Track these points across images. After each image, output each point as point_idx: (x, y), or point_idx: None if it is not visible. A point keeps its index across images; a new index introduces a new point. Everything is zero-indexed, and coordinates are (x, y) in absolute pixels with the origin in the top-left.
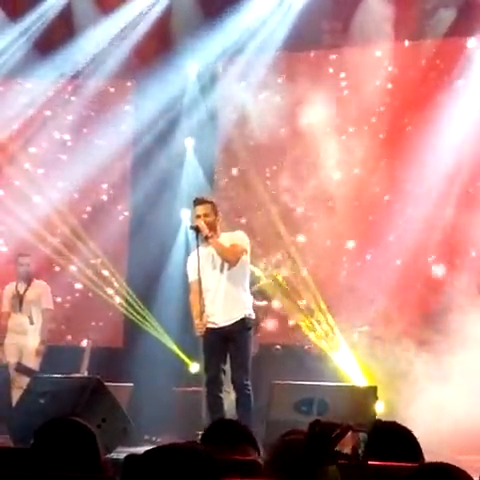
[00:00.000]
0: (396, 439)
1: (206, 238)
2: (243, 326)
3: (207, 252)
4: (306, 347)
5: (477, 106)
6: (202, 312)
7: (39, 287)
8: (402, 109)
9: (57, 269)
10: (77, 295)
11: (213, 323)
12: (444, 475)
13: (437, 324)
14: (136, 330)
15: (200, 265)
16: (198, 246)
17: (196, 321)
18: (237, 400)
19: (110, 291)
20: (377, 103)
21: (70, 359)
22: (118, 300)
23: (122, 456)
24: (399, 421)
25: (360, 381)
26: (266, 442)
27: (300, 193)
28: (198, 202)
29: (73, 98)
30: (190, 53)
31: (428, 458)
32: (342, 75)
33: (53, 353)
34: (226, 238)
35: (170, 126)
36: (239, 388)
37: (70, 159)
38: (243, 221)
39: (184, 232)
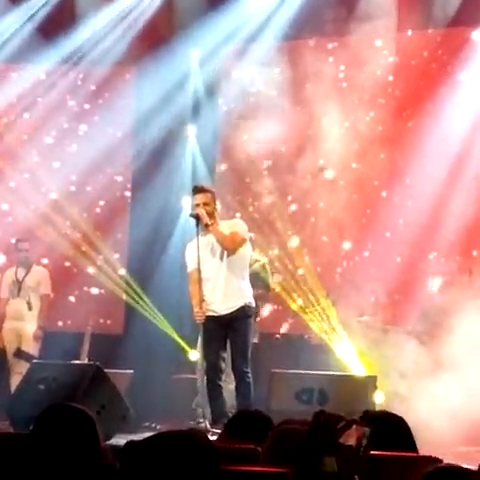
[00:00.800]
0: (388, 428)
1: (206, 226)
2: (243, 314)
3: (206, 241)
4: (306, 336)
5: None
6: (202, 300)
7: (38, 273)
8: (403, 100)
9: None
10: (78, 282)
11: (213, 311)
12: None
13: (435, 316)
14: (136, 317)
15: (199, 254)
16: (198, 235)
17: (196, 309)
18: (237, 388)
19: (110, 277)
20: (377, 94)
21: (70, 345)
22: (118, 287)
23: (121, 443)
24: (397, 411)
25: (360, 371)
26: None
27: (299, 185)
28: (197, 190)
29: (75, 84)
30: (192, 40)
31: (427, 449)
32: (342, 64)
33: (53, 339)
34: (225, 226)
35: (171, 113)
36: (239, 376)
37: (71, 145)
38: (238, 215)
39: (184, 220)
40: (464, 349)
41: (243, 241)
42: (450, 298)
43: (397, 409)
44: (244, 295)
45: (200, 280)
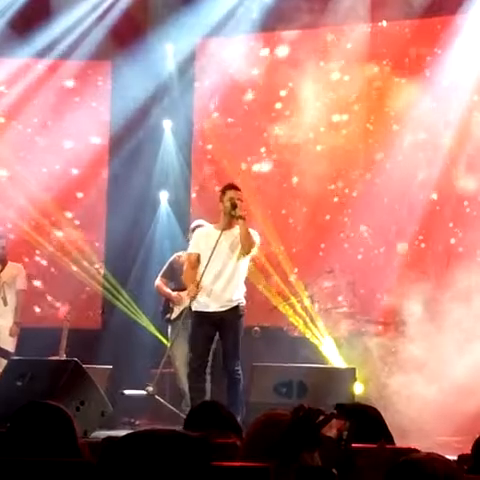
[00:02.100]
0: (363, 419)
1: (239, 217)
2: (235, 313)
3: (225, 237)
4: (285, 329)
5: (457, 89)
6: (195, 287)
7: (14, 269)
8: (381, 91)
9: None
10: (54, 277)
11: (206, 306)
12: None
13: (416, 306)
14: (114, 312)
15: (207, 245)
16: (222, 230)
17: (191, 286)
18: (228, 385)
19: (87, 273)
20: (355, 86)
21: (48, 341)
22: (95, 282)
23: (101, 439)
24: (376, 402)
25: (339, 363)
26: (246, 424)
27: (278, 179)
28: (235, 187)
29: (50, 79)
30: (167, 33)
31: (408, 439)
32: (319, 57)
33: (30, 335)
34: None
35: (147, 107)
36: (230, 373)
37: (45, 140)
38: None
39: (162, 214)
40: (445, 340)
41: (256, 247)
42: (428, 289)
43: (377, 400)
44: (238, 295)
45: (196, 266)
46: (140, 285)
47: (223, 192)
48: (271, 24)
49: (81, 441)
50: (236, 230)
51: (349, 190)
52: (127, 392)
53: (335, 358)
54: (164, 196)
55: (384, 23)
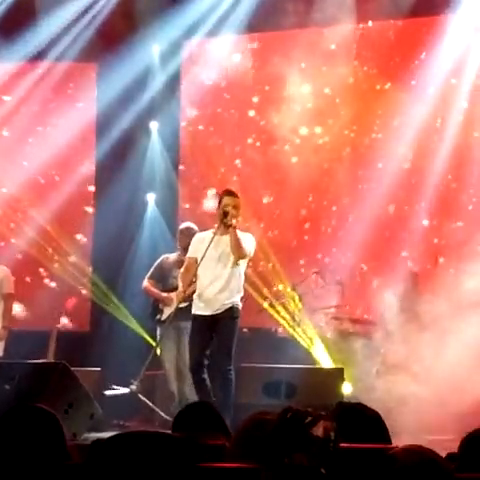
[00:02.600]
0: (363, 420)
1: (229, 226)
2: (230, 315)
3: (220, 241)
4: (273, 329)
5: (440, 90)
6: (186, 289)
7: (0, 272)
8: (366, 92)
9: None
10: (43, 280)
11: (203, 310)
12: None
13: (403, 307)
14: (102, 314)
15: (204, 250)
16: (215, 234)
17: (180, 290)
18: (220, 385)
19: (75, 275)
20: (340, 87)
21: (36, 344)
22: (84, 284)
23: (89, 441)
24: (364, 402)
25: (327, 363)
26: (234, 425)
27: (263, 176)
28: (231, 193)
29: (36, 81)
30: (153, 35)
31: (398, 439)
32: (304, 57)
33: (19, 338)
34: (239, 235)
35: (134, 108)
36: (222, 373)
37: (33, 142)
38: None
39: (149, 216)
40: (433, 339)
41: (249, 255)
42: (417, 288)
43: (366, 400)
44: (234, 299)
45: (193, 271)
46: (128, 287)
47: (220, 198)
48: (256, 25)
49: (70, 444)
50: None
51: (328, 203)
52: (108, 392)
53: (323, 359)
54: (151, 198)
55: (370, 23)
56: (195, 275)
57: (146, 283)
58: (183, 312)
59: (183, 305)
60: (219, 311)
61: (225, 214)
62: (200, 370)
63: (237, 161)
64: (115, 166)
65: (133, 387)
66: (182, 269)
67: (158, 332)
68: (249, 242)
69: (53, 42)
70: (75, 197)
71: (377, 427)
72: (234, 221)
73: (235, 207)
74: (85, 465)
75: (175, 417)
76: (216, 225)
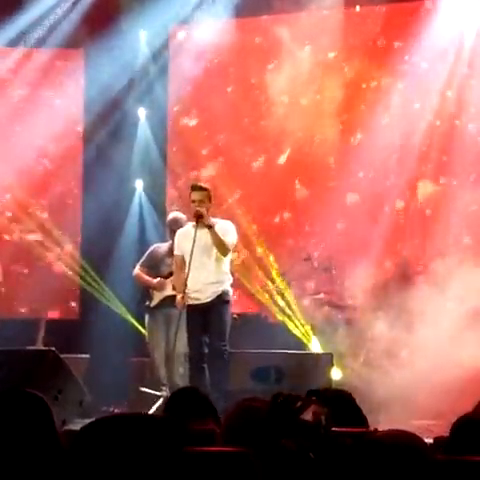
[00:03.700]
0: (337, 404)
1: (208, 227)
2: (221, 299)
3: (199, 233)
4: (262, 315)
5: (429, 73)
6: (184, 286)
7: None
8: (353, 78)
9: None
10: (32, 267)
11: (195, 299)
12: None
13: (392, 292)
14: (91, 301)
15: (188, 244)
16: (196, 228)
17: (178, 297)
18: (216, 367)
19: (64, 262)
20: (327, 70)
21: (25, 331)
22: (72, 272)
23: (79, 428)
24: (353, 387)
25: (316, 348)
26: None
27: (253, 161)
28: (196, 188)
29: (23, 67)
30: (139, 20)
31: (384, 423)
32: (293, 40)
33: (8, 325)
34: (219, 228)
35: (121, 95)
36: (217, 352)
37: (18, 128)
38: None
39: (138, 202)
40: (421, 324)
41: (232, 247)
42: (407, 274)
43: (355, 385)
44: (224, 284)
45: (183, 268)
46: (117, 274)
47: (190, 193)
48: (243, 10)
49: (59, 430)
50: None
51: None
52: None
53: (312, 344)
54: (140, 184)
55: (357, 8)
56: (185, 271)
57: (137, 270)
58: (172, 299)
59: (173, 292)
60: (210, 299)
61: (199, 217)
62: (200, 359)
63: (221, 144)
64: (103, 153)
65: (164, 393)
66: (174, 269)
67: (146, 319)
68: (230, 232)
69: (39, 27)
70: (62, 184)
71: (352, 409)
72: (210, 222)
73: (201, 201)
74: (71, 450)
75: (165, 402)
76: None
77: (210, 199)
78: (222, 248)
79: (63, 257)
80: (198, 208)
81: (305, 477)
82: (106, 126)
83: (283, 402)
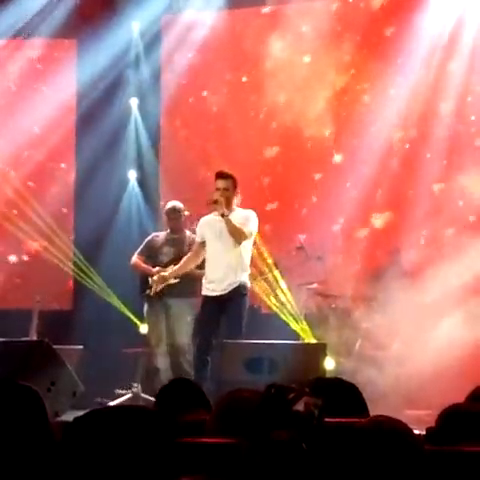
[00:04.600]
0: (341, 394)
1: (222, 215)
2: (238, 292)
3: (219, 223)
4: (255, 305)
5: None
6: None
7: None
8: (348, 65)
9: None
10: (24, 257)
11: (212, 290)
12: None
13: (384, 282)
14: (85, 292)
15: (209, 233)
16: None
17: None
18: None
19: (57, 252)
20: (320, 65)
21: (18, 322)
22: (66, 262)
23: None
24: (347, 377)
25: (309, 338)
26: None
27: (243, 151)
28: (219, 176)
29: (14, 57)
30: (132, 11)
31: (376, 413)
32: (288, 31)
33: (1, 317)
34: (238, 215)
35: (114, 86)
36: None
37: (10, 118)
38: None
39: (130, 193)
40: (416, 315)
41: (250, 235)
42: (400, 264)
43: (348, 375)
44: (239, 277)
45: (199, 254)
46: (111, 265)
47: (215, 179)
48: (236, 0)
49: (52, 422)
50: (233, 216)
51: (309, 176)
52: (118, 391)
53: (306, 334)
54: (133, 175)
55: None
56: (202, 259)
57: (135, 259)
58: (172, 288)
59: (173, 281)
60: (226, 291)
61: (214, 202)
62: (207, 350)
63: (218, 136)
64: (95, 144)
65: (135, 389)
66: (190, 252)
67: (145, 307)
68: (251, 221)
69: (32, 17)
70: (55, 175)
71: (355, 400)
72: (224, 211)
73: (226, 189)
74: (63, 442)
75: (157, 394)
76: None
77: (235, 187)
78: (237, 236)
79: (56, 246)
80: (216, 197)
81: (297, 468)
82: (98, 117)
83: (276, 393)
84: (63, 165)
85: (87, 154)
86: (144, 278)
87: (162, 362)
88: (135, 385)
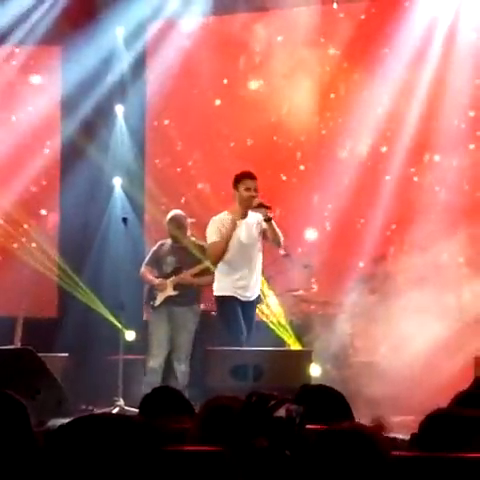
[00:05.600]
0: (326, 401)
1: (268, 219)
2: (260, 300)
3: (246, 226)
4: None
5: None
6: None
7: None
8: (334, 74)
9: None
10: (9, 265)
11: (241, 296)
12: (354, 436)
13: (370, 288)
14: (69, 299)
15: (246, 236)
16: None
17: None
18: None
19: (41, 259)
20: (306, 71)
21: (2, 330)
22: (50, 269)
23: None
24: (333, 383)
25: (295, 345)
26: None
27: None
28: (251, 176)
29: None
30: (118, 17)
31: (365, 420)
32: (271, 36)
33: None
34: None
35: (99, 92)
36: None
37: None
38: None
39: (116, 200)
40: (401, 320)
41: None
42: (382, 273)
43: (335, 381)
44: (259, 283)
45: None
46: (96, 272)
47: (238, 180)
48: (221, 7)
49: (37, 430)
50: (250, 219)
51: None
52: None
53: (291, 341)
54: (118, 182)
55: (335, 5)
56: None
57: (143, 269)
58: (174, 298)
59: (173, 293)
60: (253, 297)
61: (260, 206)
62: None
63: (202, 143)
64: (80, 150)
65: (119, 403)
66: (208, 254)
67: (151, 316)
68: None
69: (17, 24)
70: (40, 182)
71: (340, 406)
72: (271, 213)
73: (256, 190)
74: (46, 450)
75: (141, 402)
76: (237, 209)
77: (258, 190)
78: (276, 240)
79: (41, 254)
80: (260, 200)
81: (278, 474)
82: (83, 124)
83: (257, 401)
84: (48, 172)
85: (72, 161)
86: (151, 289)
87: (156, 362)
88: (117, 399)
